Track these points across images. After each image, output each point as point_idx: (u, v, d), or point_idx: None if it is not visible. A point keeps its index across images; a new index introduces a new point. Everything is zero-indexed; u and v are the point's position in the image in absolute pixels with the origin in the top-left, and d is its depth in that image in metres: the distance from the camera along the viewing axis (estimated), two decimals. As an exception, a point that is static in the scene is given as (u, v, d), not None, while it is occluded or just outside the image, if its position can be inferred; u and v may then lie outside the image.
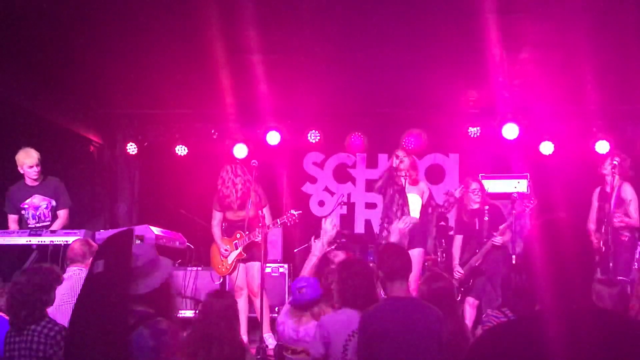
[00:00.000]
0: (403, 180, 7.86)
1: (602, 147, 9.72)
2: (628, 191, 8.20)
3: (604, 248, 7.84)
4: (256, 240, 7.72)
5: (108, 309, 3.21)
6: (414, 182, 8.03)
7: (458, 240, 8.56)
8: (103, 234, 7.68)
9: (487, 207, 8.27)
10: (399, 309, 4.54)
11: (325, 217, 6.83)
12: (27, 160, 7.76)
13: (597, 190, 8.50)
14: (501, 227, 8.10)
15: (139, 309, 3.35)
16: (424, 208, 8.07)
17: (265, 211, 7.99)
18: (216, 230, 8.14)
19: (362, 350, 4.55)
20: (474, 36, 7.43)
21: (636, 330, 2.26)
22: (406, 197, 7.85)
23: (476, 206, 8.34)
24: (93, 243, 5.93)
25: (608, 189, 8.23)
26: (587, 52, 7.88)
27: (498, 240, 8.07)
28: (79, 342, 3.31)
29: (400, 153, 8.03)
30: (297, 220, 7.85)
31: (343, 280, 5.01)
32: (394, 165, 7.92)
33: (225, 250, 7.99)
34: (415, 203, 7.98)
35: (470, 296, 8.10)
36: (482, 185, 8.50)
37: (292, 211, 7.85)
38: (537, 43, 8.01)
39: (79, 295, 3.44)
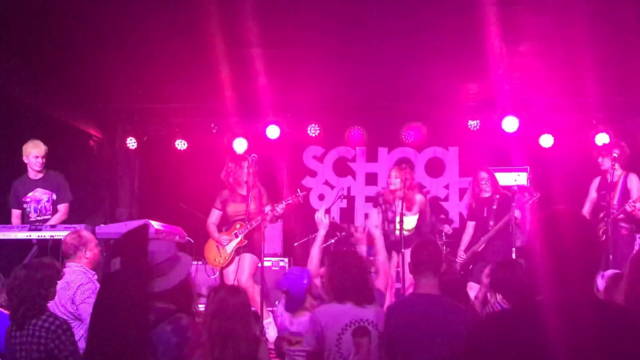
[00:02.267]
0: (400, 206, 7.81)
1: (602, 139, 9.71)
2: (634, 182, 8.14)
3: (604, 237, 7.81)
4: (257, 223, 7.75)
5: (128, 307, 3.20)
6: (409, 208, 7.97)
7: (469, 227, 8.66)
8: (103, 229, 7.68)
9: (497, 197, 8.34)
10: (422, 306, 4.48)
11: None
12: (34, 150, 7.80)
13: (597, 180, 8.42)
14: (506, 218, 8.18)
15: (159, 306, 3.34)
16: (420, 220, 8.06)
17: (267, 208, 8.02)
18: (212, 227, 8.16)
19: (385, 344, 4.56)
20: (473, 29, 7.42)
21: (634, 321, 2.26)
22: (394, 222, 7.85)
23: (487, 195, 8.43)
24: (84, 234, 5.88)
25: (610, 180, 8.17)
26: (587, 44, 7.87)
27: (517, 213, 8.12)
28: (100, 342, 3.28)
29: (392, 173, 8.04)
30: (301, 201, 8.01)
31: (333, 274, 4.97)
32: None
33: (225, 239, 7.98)
34: (410, 223, 7.96)
35: (471, 281, 8.08)
36: (491, 175, 8.54)
37: (299, 191, 7.96)
38: (536, 35, 7.99)
39: (98, 295, 3.43)
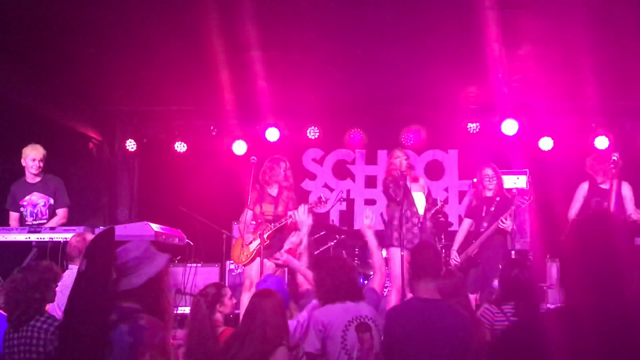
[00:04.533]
0: (407, 181, 7.87)
1: (601, 142, 9.73)
2: (627, 189, 8.15)
3: None
4: (279, 225, 7.78)
5: (90, 307, 3.25)
6: (415, 179, 8.02)
7: (465, 224, 8.47)
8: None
9: (497, 199, 8.22)
10: (421, 311, 4.46)
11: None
12: (32, 152, 7.77)
13: (585, 185, 8.28)
14: (506, 214, 8.05)
15: (125, 305, 3.34)
16: (426, 204, 8.09)
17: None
18: (241, 226, 8.15)
19: (385, 349, 4.56)
20: (473, 32, 7.43)
21: None
22: (412, 197, 7.86)
23: (489, 194, 8.26)
24: (89, 239, 5.87)
25: (605, 186, 8.14)
26: (586, 48, 7.88)
27: (507, 224, 7.93)
28: (68, 341, 3.34)
29: (400, 153, 8.02)
30: (325, 205, 8.02)
31: (322, 278, 5.02)
32: (403, 167, 7.87)
33: (249, 237, 7.98)
34: (420, 200, 7.97)
35: (467, 290, 8.01)
36: (497, 173, 8.32)
37: (322, 195, 7.98)
38: (536, 39, 8.00)
39: (69, 295, 3.46)
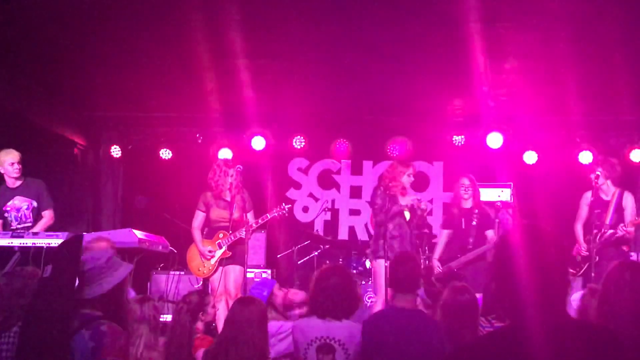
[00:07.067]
0: (397, 194, 7.89)
1: (586, 157, 9.79)
2: (629, 201, 7.96)
3: (597, 258, 7.62)
4: (241, 236, 7.71)
5: (54, 312, 3.31)
6: (404, 192, 8.04)
7: (444, 235, 8.47)
8: (86, 237, 7.61)
9: (476, 211, 8.24)
10: (398, 320, 4.51)
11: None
12: (8, 157, 7.75)
13: (588, 195, 8.06)
14: (490, 235, 8.10)
15: (85, 312, 3.42)
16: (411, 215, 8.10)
17: (250, 216, 7.98)
18: (197, 233, 8.02)
19: (364, 356, 4.56)
20: (459, 45, 7.47)
21: (616, 341, 2.24)
22: (401, 209, 7.88)
23: (467, 205, 8.30)
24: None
25: (606, 197, 7.99)
26: (571, 62, 7.95)
27: (490, 236, 8.03)
28: (27, 345, 3.39)
29: (409, 170, 8.08)
30: (286, 214, 7.93)
31: (310, 287, 4.99)
32: (406, 184, 7.94)
33: (210, 251, 7.90)
34: (407, 213, 7.98)
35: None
36: (474, 184, 8.38)
37: (283, 204, 7.95)
38: (521, 53, 8.05)
39: (30, 300, 3.51)
